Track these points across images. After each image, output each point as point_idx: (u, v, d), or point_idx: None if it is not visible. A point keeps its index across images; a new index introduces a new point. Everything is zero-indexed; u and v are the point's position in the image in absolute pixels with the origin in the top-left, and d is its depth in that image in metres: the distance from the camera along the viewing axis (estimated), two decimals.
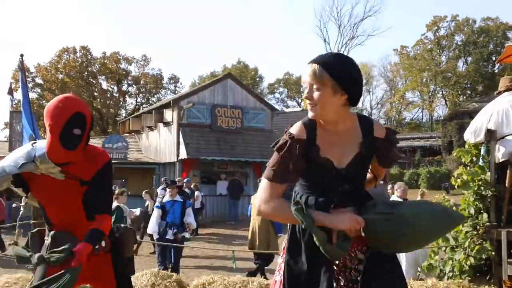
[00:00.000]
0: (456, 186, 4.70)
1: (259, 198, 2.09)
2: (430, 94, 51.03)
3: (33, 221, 4.63)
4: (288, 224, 2.14)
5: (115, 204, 8.25)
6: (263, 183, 2.10)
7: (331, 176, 2.03)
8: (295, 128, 2.07)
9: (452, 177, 4.78)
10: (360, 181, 2.14)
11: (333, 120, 2.03)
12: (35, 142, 2.50)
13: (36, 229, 2.69)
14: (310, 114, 2.03)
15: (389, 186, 9.54)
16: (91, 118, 2.44)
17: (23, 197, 2.64)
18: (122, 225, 2.77)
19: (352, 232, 1.95)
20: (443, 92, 50.30)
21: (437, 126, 43.55)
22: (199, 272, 8.35)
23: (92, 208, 2.43)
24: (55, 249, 2.25)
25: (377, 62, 66.36)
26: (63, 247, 2.22)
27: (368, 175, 2.30)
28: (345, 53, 36.80)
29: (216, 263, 10.23)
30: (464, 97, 46.79)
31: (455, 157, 6.67)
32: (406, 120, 56.81)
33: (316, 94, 1.96)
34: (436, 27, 48.76)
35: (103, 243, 2.47)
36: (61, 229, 2.47)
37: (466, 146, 4.98)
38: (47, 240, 2.44)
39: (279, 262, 2.23)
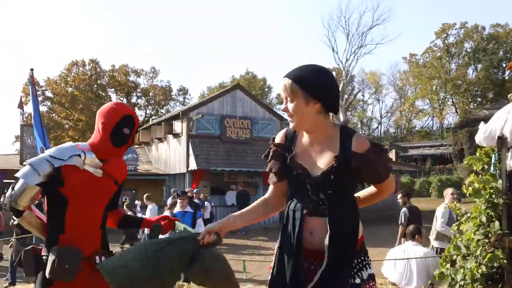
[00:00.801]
0: (467, 194, 4.67)
1: None
2: (440, 102, 50.87)
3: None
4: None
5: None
6: None
7: (306, 184, 2.11)
8: (278, 136, 2.31)
9: (464, 185, 4.74)
10: (340, 193, 2.10)
11: (311, 129, 2.13)
12: (75, 142, 2.68)
13: (30, 246, 2.68)
14: (290, 125, 2.16)
15: (399, 196, 9.45)
16: (138, 122, 2.71)
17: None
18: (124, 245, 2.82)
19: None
20: (453, 100, 50.10)
21: (448, 134, 43.35)
22: None
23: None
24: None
25: (386, 71, 66.28)
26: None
27: (371, 188, 2.33)
28: (354, 62, 36.82)
29: None
30: (475, 104, 46.54)
31: (466, 165, 6.63)
32: (416, 128, 56.62)
33: (290, 106, 2.09)
34: (445, 35, 48.72)
35: (103, 259, 2.51)
36: (67, 241, 2.47)
37: (478, 153, 4.95)
38: (51, 255, 2.43)
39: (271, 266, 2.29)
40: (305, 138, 2.18)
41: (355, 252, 2.12)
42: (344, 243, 2.06)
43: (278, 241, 2.27)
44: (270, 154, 2.27)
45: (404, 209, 8.89)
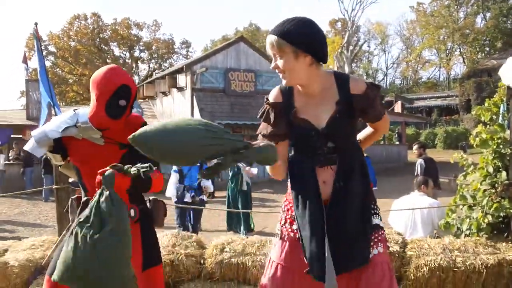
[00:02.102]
0: (474, 145, 4.66)
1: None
2: (447, 52, 50.14)
3: (55, 187, 4.70)
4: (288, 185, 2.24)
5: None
6: None
7: (312, 136, 2.09)
8: (272, 93, 2.21)
9: (471, 136, 4.73)
10: (346, 138, 2.13)
11: (305, 83, 2.09)
12: (76, 109, 2.58)
13: (76, 196, 2.73)
14: (283, 82, 2.11)
15: (414, 147, 9.43)
16: (135, 90, 2.53)
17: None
18: (152, 197, 2.79)
19: None
20: (461, 50, 49.35)
21: (455, 85, 42.92)
22: (217, 234, 8.49)
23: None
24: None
25: (393, 21, 65.02)
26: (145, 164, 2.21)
27: (368, 129, 2.37)
28: (360, 12, 36.11)
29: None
30: (483, 54, 45.84)
31: (473, 116, 6.58)
32: (422, 79, 56.13)
33: (280, 62, 2.04)
34: None
35: (132, 212, 2.51)
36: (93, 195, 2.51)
37: (486, 104, 4.90)
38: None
39: (281, 218, 2.27)
40: (301, 91, 2.14)
41: (371, 197, 2.15)
42: (358, 187, 2.09)
43: (288, 196, 2.25)
44: (271, 114, 2.17)
45: (420, 160, 8.89)
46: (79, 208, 2.50)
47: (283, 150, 2.20)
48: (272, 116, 2.16)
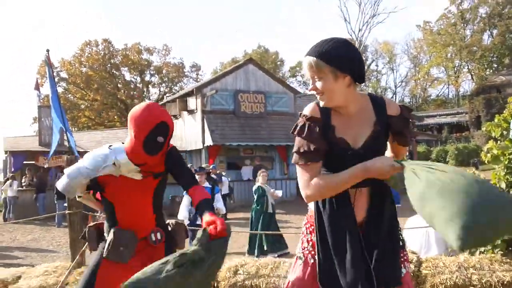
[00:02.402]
0: (486, 161, 4.64)
1: (301, 186, 2.08)
2: (455, 69, 50.06)
3: (68, 212, 4.74)
4: (313, 204, 2.15)
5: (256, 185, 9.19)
6: (298, 171, 2.10)
7: (349, 157, 2.03)
8: (309, 109, 2.11)
9: (482, 152, 4.72)
10: None
11: (344, 104, 2.05)
12: (111, 145, 2.59)
13: (93, 223, 2.77)
14: (321, 103, 2.07)
15: None
16: (173, 127, 2.56)
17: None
18: (174, 220, 2.84)
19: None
20: (469, 67, 49.26)
21: (464, 102, 42.75)
22: (230, 256, 8.45)
23: (184, 184, 2.52)
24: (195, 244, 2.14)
25: (400, 40, 65.21)
26: (200, 235, 2.14)
27: (388, 153, 2.31)
28: (367, 32, 36.33)
29: (246, 247, 10.33)
30: (491, 71, 45.72)
31: (484, 132, 6.55)
32: (431, 97, 55.93)
33: (319, 84, 2.01)
34: (459, 0, 47.59)
35: (158, 235, 2.57)
36: (123, 227, 2.55)
37: (496, 119, 4.90)
38: (110, 236, 2.51)
39: (303, 240, 2.23)
40: (338, 111, 2.09)
41: (396, 217, 2.14)
42: (389, 209, 2.09)
43: (310, 218, 2.21)
44: (314, 129, 2.05)
45: None
46: (111, 239, 2.50)
47: (319, 169, 2.07)
48: (315, 131, 2.04)
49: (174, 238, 2.72)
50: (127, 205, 2.53)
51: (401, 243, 2.13)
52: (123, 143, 2.60)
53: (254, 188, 9.48)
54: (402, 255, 2.11)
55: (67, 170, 2.57)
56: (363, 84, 2.23)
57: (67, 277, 4.19)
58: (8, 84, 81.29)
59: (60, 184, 2.57)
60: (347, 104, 2.06)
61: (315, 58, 1.98)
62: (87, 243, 2.78)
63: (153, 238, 2.57)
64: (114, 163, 2.48)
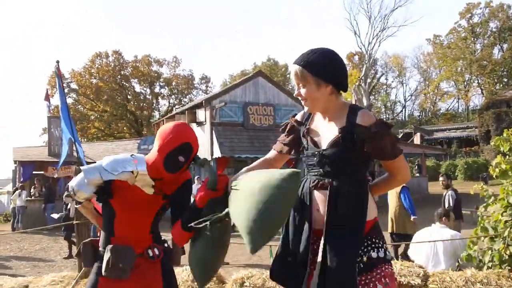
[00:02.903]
0: (494, 176, 4.63)
1: None
2: (465, 84, 49.96)
3: (76, 222, 4.78)
4: None
5: None
6: None
7: (315, 157, 2.19)
8: (299, 114, 2.43)
9: (491, 167, 4.70)
10: (342, 166, 2.11)
11: (325, 110, 2.22)
12: (133, 155, 2.61)
13: (89, 239, 2.77)
14: (305, 109, 2.30)
15: (441, 178, 9.29)
16: (197, 150, 2.66)
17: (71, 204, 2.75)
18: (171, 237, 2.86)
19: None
20: (479, 81, 49.13)
21: (474, 116, 42.56)
22: (237, 268, 8.44)
23: (177, 215, 2.56)
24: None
25: (410, 53, 65.13)
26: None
27: (385, 175, 2.31)
28: (377, 45, 36.38)
29: (254, 258, 10.29)
30: (501, 85, 45.56)
31: (493, 147, 6.54)
32: (441, 111, 55.74)
33: (303, 91, 2.18)
34: (470, 14, 47.68)
35: (156, 251, 2.59)
36: (119, 242, 2.54)
37: (505, 134, 4.89)
38: (107, 253, 2.50)
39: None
40: (318, 115, 2.30)
41: (360, 233, 2.06)
42: (344, 220, 2.04)
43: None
44: (288, 126, 2.44)
45: (451, 192, 8.71)
46: (109, 256, 2.48)
47: (278, 158, 2.49)
48: (288, 127, 2.43)
49: (170, 255, 2.73)
50: (129, 217, 2.54)
51: (378, 256, 2.09)
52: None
53: None
54: (379, 271, 2.06)
55: (83, 167, 2.57)
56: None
57: (73, 287, 4.21)
58: (8, 84, 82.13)
59: (75, 180, 2.57)
60: (327, 110, 2.21)
61: (300, 67, 2.14)
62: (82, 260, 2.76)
63: (151, 254, 2.57)
64: (132, 171, 2.50)
